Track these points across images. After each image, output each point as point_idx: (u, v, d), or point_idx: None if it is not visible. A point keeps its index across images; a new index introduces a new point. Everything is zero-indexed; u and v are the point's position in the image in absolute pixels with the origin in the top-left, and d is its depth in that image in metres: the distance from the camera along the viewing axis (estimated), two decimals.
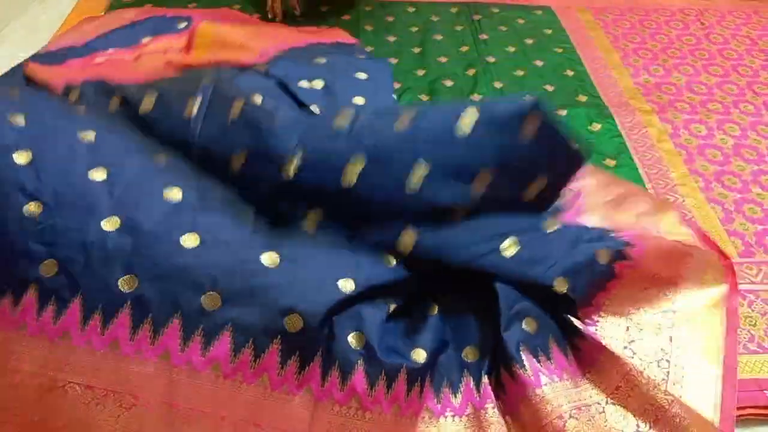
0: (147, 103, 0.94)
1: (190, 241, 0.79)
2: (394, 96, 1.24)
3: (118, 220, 0.78)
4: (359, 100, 1.15)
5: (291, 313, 0.75)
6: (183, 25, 1.36)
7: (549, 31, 1.64)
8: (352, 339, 0.78)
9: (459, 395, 0.81)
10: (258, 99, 0.99)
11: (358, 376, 0.76)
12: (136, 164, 0.85)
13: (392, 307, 0.82)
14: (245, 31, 1.29)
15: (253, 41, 1.24)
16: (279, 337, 0.75)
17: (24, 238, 0.75)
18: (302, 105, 1.09)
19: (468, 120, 0.80)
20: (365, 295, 0.80)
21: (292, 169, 0.82)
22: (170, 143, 0.91)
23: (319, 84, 1.14)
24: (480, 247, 0.83)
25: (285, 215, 0.85)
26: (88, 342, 0.75)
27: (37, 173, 0.79)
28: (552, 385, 0.79)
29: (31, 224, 0.76)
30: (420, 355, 0.79)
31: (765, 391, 0.88)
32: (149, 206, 0.81)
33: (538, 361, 0.80)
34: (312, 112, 1.08)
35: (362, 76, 1.21)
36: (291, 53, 1.24)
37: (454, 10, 1.72)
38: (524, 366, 0.79)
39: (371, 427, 0.76)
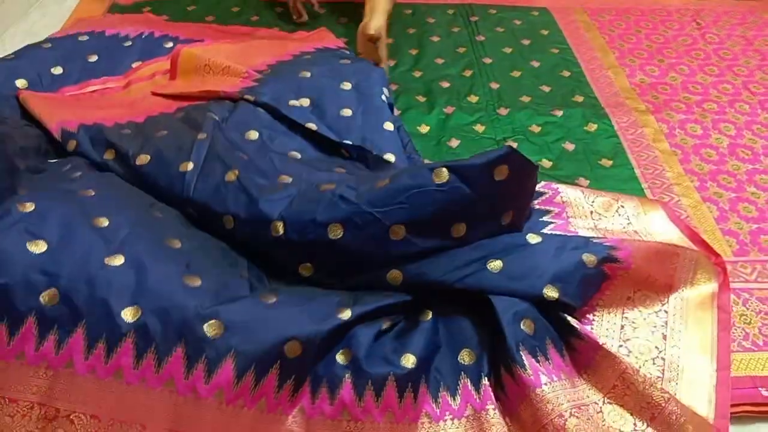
0: (143, 159, 0.99)
1: (192, 281, 0.81)
2: (384, 98, 1.25)
3: (123, 258, 0.79)
4: (347, 112, 1.18)
5: (291, 341, 0.76)
6: (169, 45, 1.39)
7: (545, 32, 1.66)
8: (339, 356, 0.80)
9: (457, 398, 0.81)
10: (254, 135, 1.06)
11: (346, 389, 0.78)
12: (134, 216, 0.88)
13: (387, 324, 0.84)
14: (229, 51, 1.31)
15: (239, 60, 1.26)
16: (278, 362, 0.76)
17: (25, 269, 0.75)
18: (297, 125, 1.13)
19: (442, 176, 0.83)
20: (362, 319, 0.82)
21: (280, 228, 0.86)
22: (166, 197, 0.95)
23: (306, 102, 1.18)
24: (465, 269, 0.85)
25: (280, 265, 0.90)
26: (93, 371, 0.75)
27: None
28: (551, 384, 0.79)
29: (33, 258, 0.76)
30: (409, 360, 0.80)
31: (760, 389, 0.88)
32: (152, 249, 0.83)
33: (537, 362, 0.80)
34: (309, 129, 1.13)
35: (347, 86, 1.23)
36: (278, 69, 1.27)
37: (451, 11, 1.73)
38: (524, 366, 0.79)
39: None
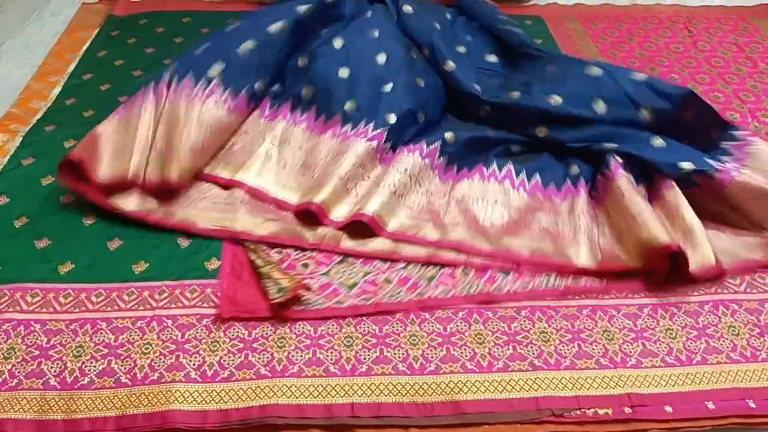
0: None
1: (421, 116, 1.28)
2: None
3: (392, 84, 1.25)
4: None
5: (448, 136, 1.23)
6: None
7: (538, 41, 1.64)
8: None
9: (562, 189, 1.19)
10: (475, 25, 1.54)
11: (480, 169, 1.24)
12: (402, 57, 1.32)
13: (518, 149, 1.28)
14: None
15: None
16: (442, 145, 1.21)
17: (338, 86, 1.25)
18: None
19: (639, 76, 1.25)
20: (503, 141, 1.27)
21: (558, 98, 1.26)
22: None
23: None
24: (590, 134, 1.22)
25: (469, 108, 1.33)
26: (310, 128, 1.25)
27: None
28: (622, 180, 1.11)
29: (342, 79, 1.26)
30: (527, 162, 1.25)
31: (748, 401, 0.90)
32: (408, 82, 1.28)
33: (618, 167, 1.13)
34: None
35: None
36: None
37: None
38: (610, 166, 1.14)
39: None
